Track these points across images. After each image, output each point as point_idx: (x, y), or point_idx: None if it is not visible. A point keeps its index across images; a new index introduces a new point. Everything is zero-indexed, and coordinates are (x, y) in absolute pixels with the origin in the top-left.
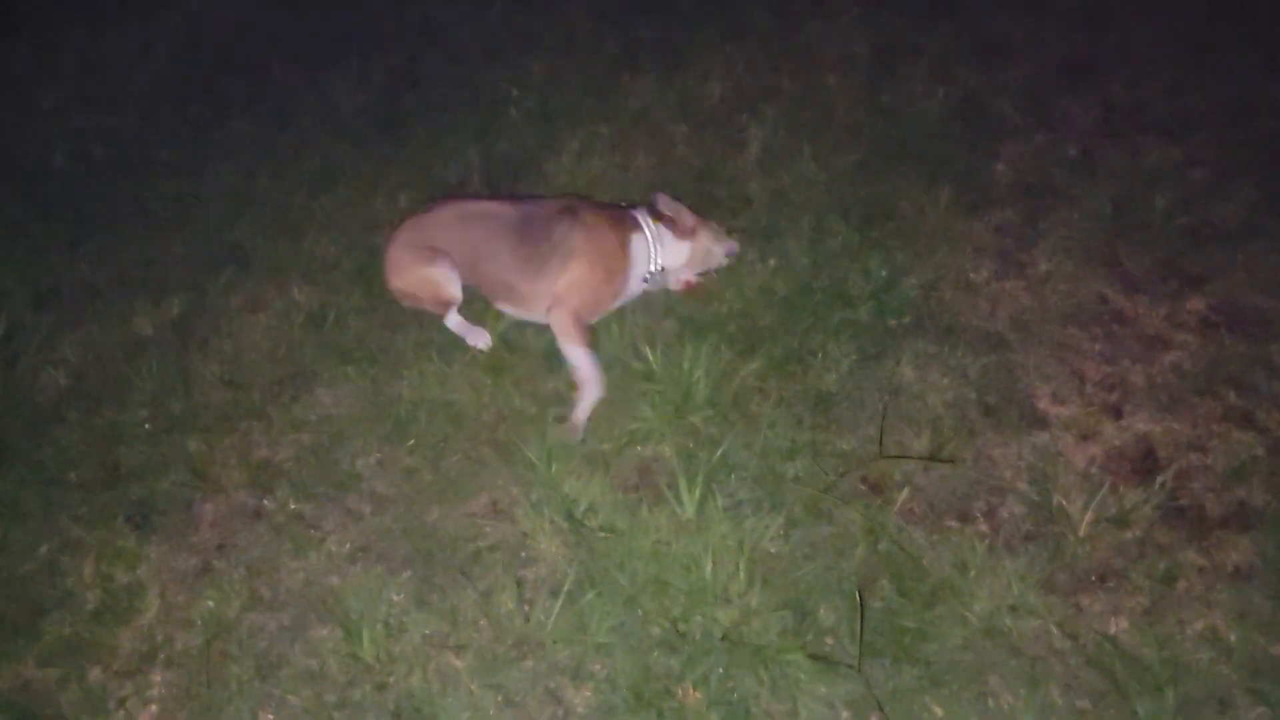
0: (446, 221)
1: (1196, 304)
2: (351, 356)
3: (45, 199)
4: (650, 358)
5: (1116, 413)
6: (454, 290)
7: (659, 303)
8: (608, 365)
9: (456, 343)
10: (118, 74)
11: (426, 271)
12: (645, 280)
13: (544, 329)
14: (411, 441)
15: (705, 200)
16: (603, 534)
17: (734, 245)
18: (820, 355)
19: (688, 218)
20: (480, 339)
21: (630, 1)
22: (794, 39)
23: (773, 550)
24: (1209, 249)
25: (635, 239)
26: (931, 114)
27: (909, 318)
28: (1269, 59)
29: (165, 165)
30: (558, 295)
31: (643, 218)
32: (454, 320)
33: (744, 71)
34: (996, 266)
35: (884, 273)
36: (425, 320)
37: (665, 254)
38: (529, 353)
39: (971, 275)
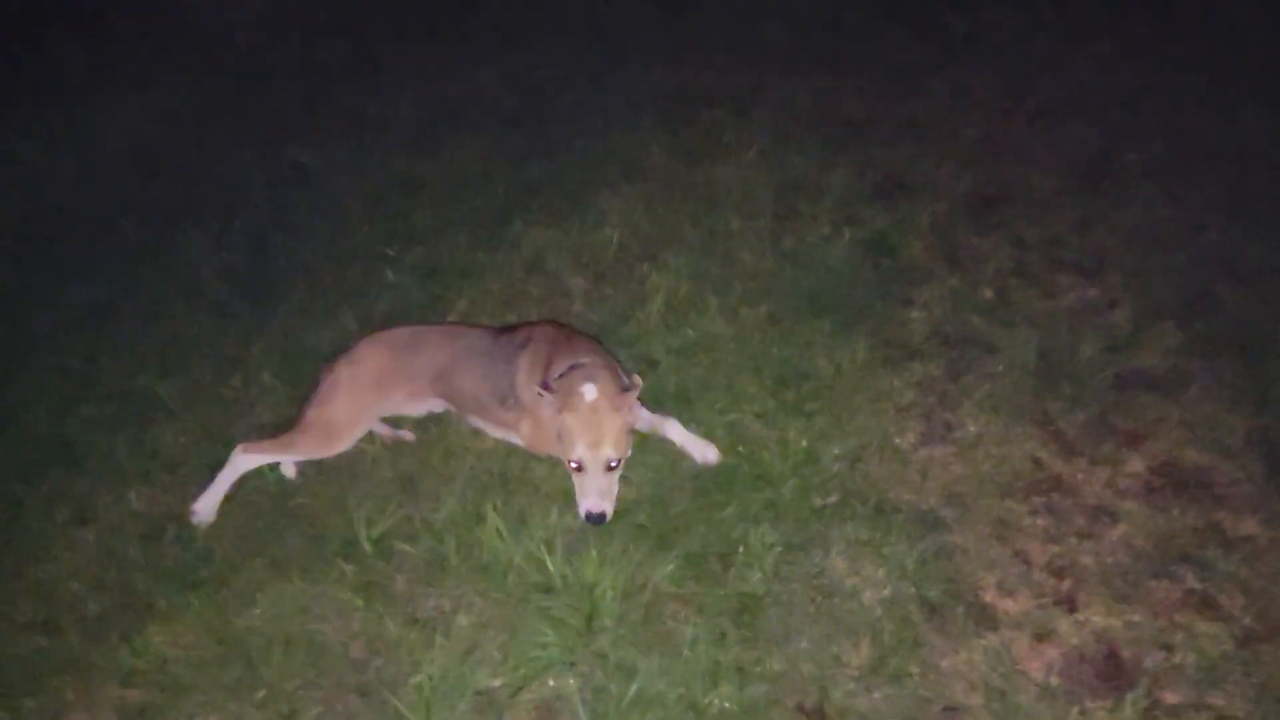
0: (435, 339)
1: (1136, 466)
2: (195, 579)
3: None
4: (548, 565)
5: (1070, 604)
6: (344, 444)
7: (558, 491)
8: (499, 574)
9: (321, 555)
10: None
11: (365, 404)
12: None
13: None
14: (262, 693)
15: None
16: None
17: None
18: (742, 548)
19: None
20: (290, 469)
21: (521, 141)
22: (692, 178)
23: None
24: (1141, 401)
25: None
26: (839, 258)
27: (835, 496)
28: (1166, 188)
29: None
30: (524, 436)
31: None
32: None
33: (642, 216)
34: (923, 429)
35: (804, 443)
36: (286, 529)
37: None
38: (406, 564)
39: (897, 440)
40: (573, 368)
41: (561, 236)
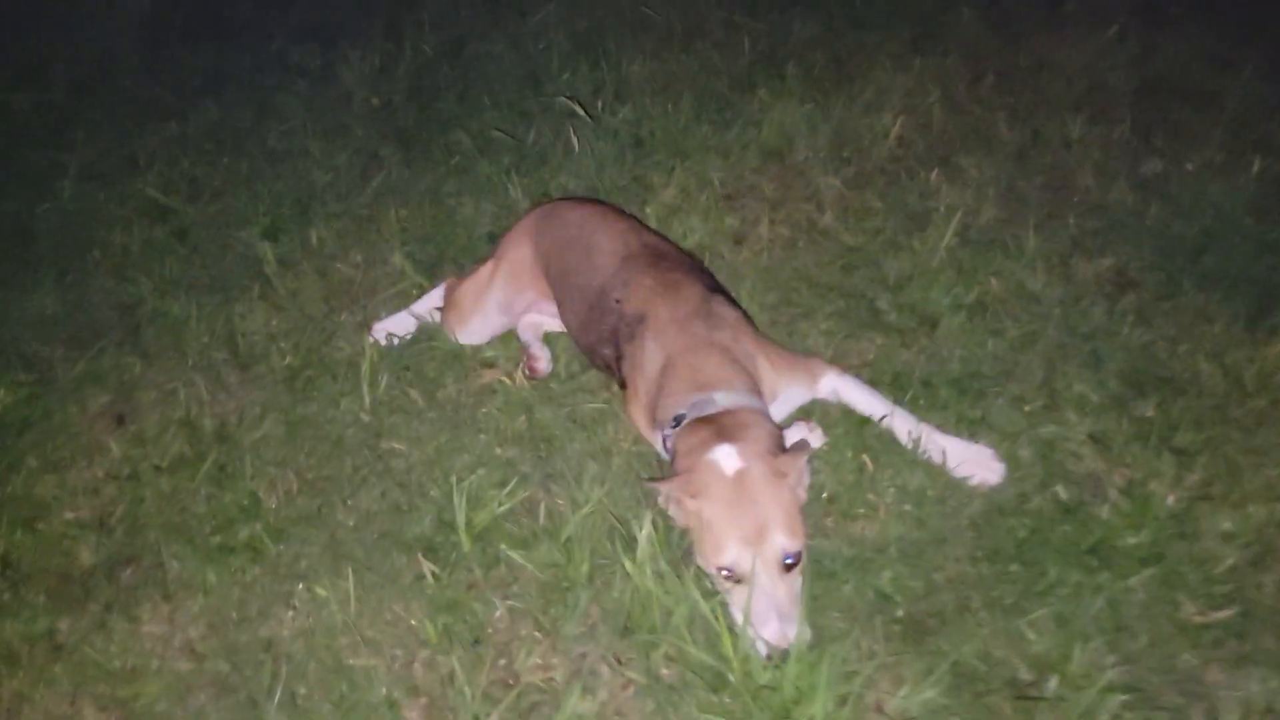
0: (577, 219)
1: None
2: (225, 542)
3: None
4: (725, 643)
5: None
6: (464, 330)
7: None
8: (646, 638)
9: (400, 540)
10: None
11: (492, 293)
12: None
13: None
14: None
15: (859, 311)
16: None
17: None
18: (1056, 680)
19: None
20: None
21: None
22: (1015, 58)
23: None
24: None
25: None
26: (1239, 199)
27: (1229, 609)
28: None
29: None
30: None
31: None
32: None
33: (937, 104)
34: None
35: (1171, 500)
36: (365, 481)
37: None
38: (514, 584)
39: None
40: (695, 417)
41: (818, 118)
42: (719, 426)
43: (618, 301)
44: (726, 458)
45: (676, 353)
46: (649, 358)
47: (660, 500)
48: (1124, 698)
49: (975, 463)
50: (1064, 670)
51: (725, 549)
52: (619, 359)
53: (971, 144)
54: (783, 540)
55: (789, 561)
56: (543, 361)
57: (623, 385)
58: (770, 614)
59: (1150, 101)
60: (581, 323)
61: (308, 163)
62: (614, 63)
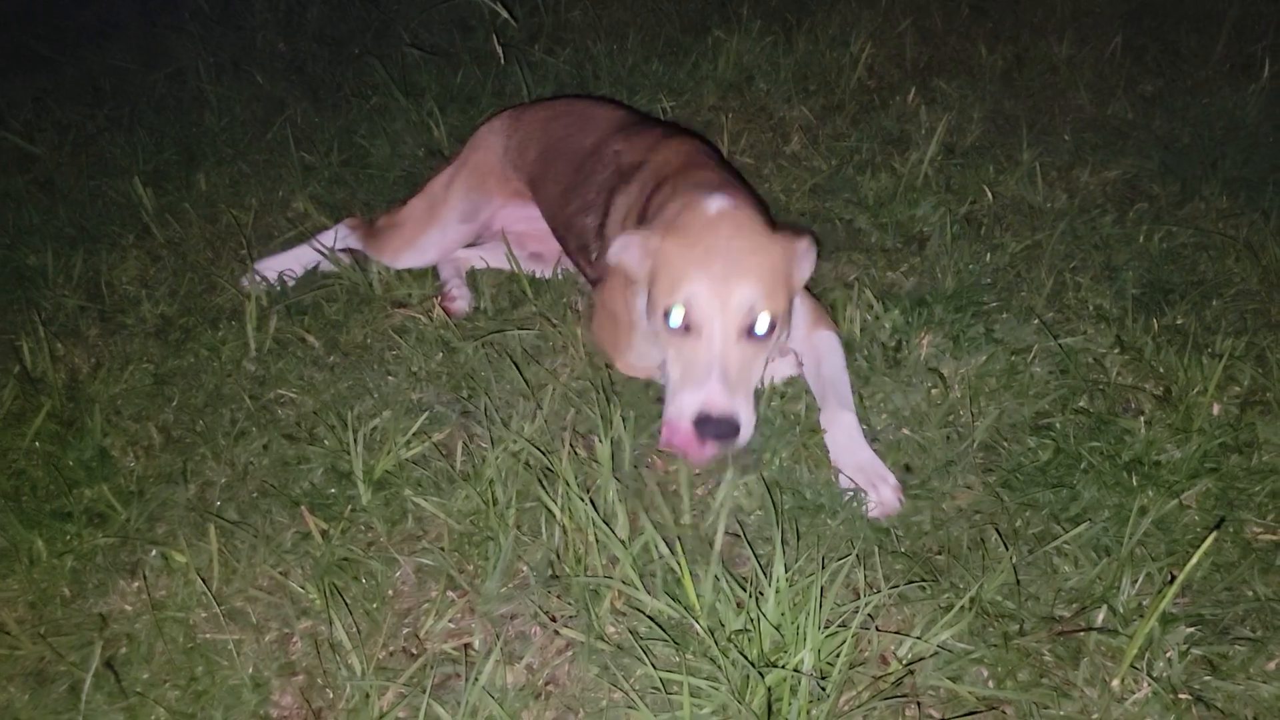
0: (548, 114)
1: None
2: (55, 509)
3: None
4: (685, 582)
5: None
6: (410, 251)
7: None
8: (583, 588)
9: (283, 496)
10: None
11: (452, 200)
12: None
13: None
14: None
15: (835, 234)
16: None
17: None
18: (1104, 610)
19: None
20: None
21: None
22: None
23: None
24: None
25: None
26: (1250, 108)
27: None
28: None
29: None
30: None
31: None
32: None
33: (908, 34)
34: None
35: (1216, 410)
36: (243, 437)
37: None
38: (426, 534)
39: None
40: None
41: (779, 53)
42: (713, 185)
43: (616, 152)
44: (715, 202)
45: (673, 174)
46: (639, 196)
47: (615, 250)
48: (1190, 630)
49: (871, 483)
50: (1111, 603)
51: (681, 284)
52: (601, 228)
53: (951, 69)
54: (752, 291)
55: (758, 330)
56: (460, 301)
57: (595, 281)
58: (713, 371)
59: (1140, 25)
60: (564, 189)
61: (200, 109)
62: (551, 8)
